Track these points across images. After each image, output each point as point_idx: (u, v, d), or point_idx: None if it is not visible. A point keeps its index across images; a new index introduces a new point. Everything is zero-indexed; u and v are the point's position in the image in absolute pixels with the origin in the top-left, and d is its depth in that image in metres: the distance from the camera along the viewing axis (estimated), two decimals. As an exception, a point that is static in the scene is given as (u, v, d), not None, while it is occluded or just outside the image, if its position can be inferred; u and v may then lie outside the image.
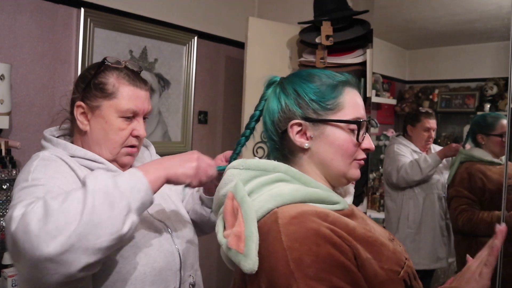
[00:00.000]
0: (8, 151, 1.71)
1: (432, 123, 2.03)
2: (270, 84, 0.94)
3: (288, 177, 0.83)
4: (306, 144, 0.86)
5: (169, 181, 0.96)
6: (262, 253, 0.73)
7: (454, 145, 1.96)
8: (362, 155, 0.88)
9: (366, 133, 0.88)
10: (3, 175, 1.64)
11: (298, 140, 0.86)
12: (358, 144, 0.86)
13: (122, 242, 0.85)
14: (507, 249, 1.66)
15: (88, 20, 2.03)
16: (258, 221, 0.76)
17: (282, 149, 0.90)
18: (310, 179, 0.84)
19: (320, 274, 0.69)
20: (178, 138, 2.52)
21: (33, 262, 0.78)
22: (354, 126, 0.85)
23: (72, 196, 0.82)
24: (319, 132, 0.85)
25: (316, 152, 0.86)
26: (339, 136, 0.85)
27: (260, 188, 0.81)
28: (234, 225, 0.77)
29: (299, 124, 0.86)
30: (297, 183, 0.83)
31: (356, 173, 0.88)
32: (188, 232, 1.18)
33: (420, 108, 2.08)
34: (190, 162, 0.99)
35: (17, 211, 0.82)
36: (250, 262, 0.72)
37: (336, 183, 0.90)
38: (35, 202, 0.83)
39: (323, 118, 0.85)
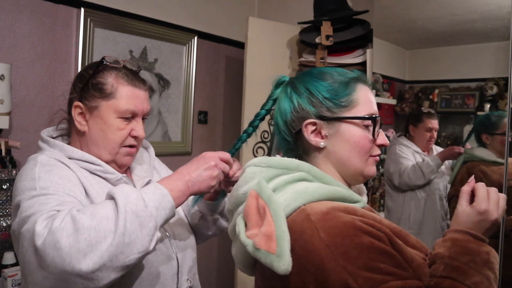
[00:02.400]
0: (8, 151, 1.71)
1: (434, 123, 2.03)
2: (279, 84, 0.93)
3: (310, 176, 0.82)
4: (322, 143, 0.85)
5: (192, 194, 0.98)
6: (299, 253, 0.72)
7: (456, 148, 1.96)
8: (378, 151, 0.88)
9: (380, 129, 0.88)
10: (3, 175, 1.64)
11: (313, 139, 0.85)
12: (373, 140, 0.86)
13: (145, 256, 0.87)
14: (507, 250, 1.66)
15: (88, 20, 2.03)
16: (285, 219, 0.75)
17: (297, 150, 0.89)
18: (331, 179, 0.83)
19: (369, 263, 0.69)
20: (178, 138, 2.52)
21: (63, 276, 0.79)
22: (368, 122, 0.85)
23: (102, 212, 0.83)
24: (334, 130, 0.85)
25: (332, 150, 0.86)
26: (354, 133, 0.85)
27: (284, 186, 0.79)
28: (260, 225, 0.74)
29: (314, 123, 0.85)
30: (318, 182, 0.82)
31: (372, 170, 0.88)
32: (187, 235, 1.17)
33: (422, 108, 2.08)
34: (211, 171, 0.98)
35: (40, 225, 0.82)
36: (284, 263, 0.69)
37: (352, 181, 0.89)
38: (59, 216, 0.83)
39: (337, 115, 0.84)
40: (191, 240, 1.19)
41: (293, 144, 0.89)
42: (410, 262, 0.75)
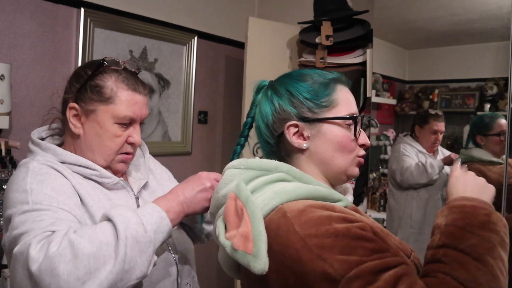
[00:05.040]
0: (8, 151, 1.71)
1: (440, 126, 2.03)
2: (259, 89, 0.93)
3: (290, 177, 0.82)
4: (304, 145, 0.85)
5: (187, 215, 0.98)
6: (276, 250, 0.72)
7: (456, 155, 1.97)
8: (362, 152, 0.88)
9: (361, 129, 0.88)
10: (3, 175, 1.64)
11: (296, 141, 0.85)
12: (355, 140, 0.86)
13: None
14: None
15: (88, 20, 2.03)
16: (263, 219, 0.75)
17: (279, 152, 0.89)
18: (312, 179, 0.83)
19: (345, 249, 0.68)
20: (178, 138, 2.52)
21: None
22: (350, 122, 0.86)
23: (101, 237, 0.81)
24: (316, 131, 0.85)
25: (315, 151, 0.86)
26: (337, 133, 0.85)
27: (262, 187, 0.80)
28: (239, 226, 0.75)
29: (295, 125, 0.85)
30: (298, 182, 0.82)
31: (356, 170, 0.88)
32: (185, 239, 1.15)
33: (430, 110, 2.07)
34: (206, 193, 0.98)
35: (34, 249, 0.79)
36: (260, 263, 0.70)
37: (336, 181, 0.89)
38: (55, 239, 0.80)
39: (318, 116, 0.85)
40: (190, 243, 1.16)
41: (275, 146, 0.89)
42: (395, 249, 0.74)
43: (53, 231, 0.83)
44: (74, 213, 0.92)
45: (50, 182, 0.94)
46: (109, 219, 0.85)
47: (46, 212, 0.88)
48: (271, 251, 0.72)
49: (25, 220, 0.86)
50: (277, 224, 0.74)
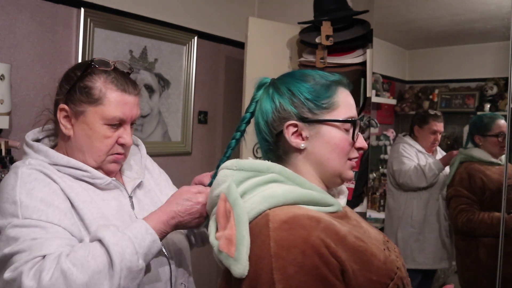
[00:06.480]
0: (8, 151, 1.71)
1: (440, 126, 2.03)
2: (260, 85, 0.93)
3: (282, 177, 0.82)
4: (302, 145, 0.85)
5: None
6: (250, 256, 0.73)
7: (455, 152, 1.97)
8: (355, 154, 0.89)
9: (359, 132, 0.89)
10: (3, 175, 1.64)
11: (294, 141, 0.86)
12: (353, 143, 0.87)
13: None
14: (507, 249, 1.66)
15: (88, 20, 2.03)
16: (250, 223, 0.76)
17: (277, 150, 0.89)
18: (304, 180, 0.83)
19: (302, 286, 0.69)
20: (178, 138, 2.52)
21: None
22: (348, 125, 0.86)
23: (93, 266, 0.84)
24: (315, 132, 0.85)
25: (312, 152, 0.86)
26: (335, 135, 0.85)
27: (254, 189, 0.80)
28: (226, 228, 0.76)
29: (295, 125, 0.85)
30: (291, 184, 0.82)
31: (350, 174, 0.89)
32: (180, 239, 1.14)
33: (429, 110, 2.07)
34: (195, 208, 0.99)
35: (26, 277, 0.81)
36: (240, 267, 0.72)
37: (330, 183, 0.90)
38: (47, 266, 0.82)
39: (318, 117, 0.85)
40: (185, 243, 1.16)
41: (273, 144, 0.89)
42: None
43: (44, 256, 0.84)
44: (64, 224, 0.93)
45: (39, 191, 0.95)
46: (100, 241, 0.87)
47: (35, 229, 0.89)
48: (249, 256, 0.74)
49: (15, 236, 0.88)
50: (258, 231, 0.75)
